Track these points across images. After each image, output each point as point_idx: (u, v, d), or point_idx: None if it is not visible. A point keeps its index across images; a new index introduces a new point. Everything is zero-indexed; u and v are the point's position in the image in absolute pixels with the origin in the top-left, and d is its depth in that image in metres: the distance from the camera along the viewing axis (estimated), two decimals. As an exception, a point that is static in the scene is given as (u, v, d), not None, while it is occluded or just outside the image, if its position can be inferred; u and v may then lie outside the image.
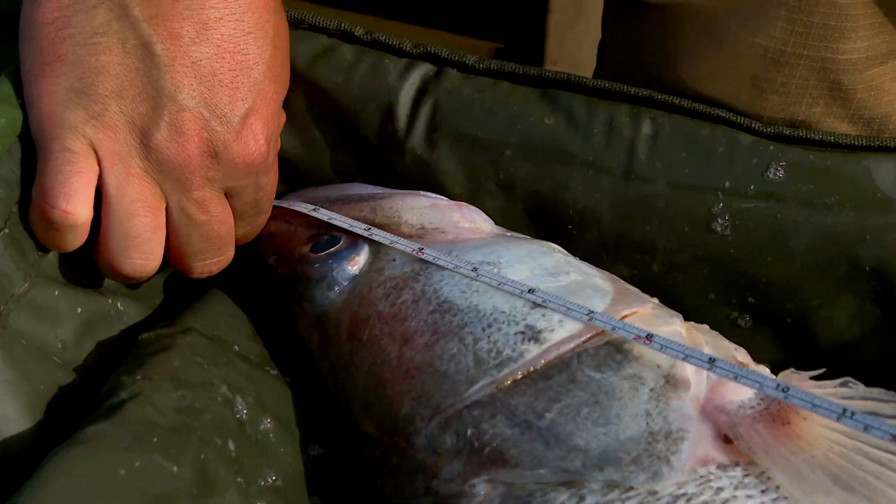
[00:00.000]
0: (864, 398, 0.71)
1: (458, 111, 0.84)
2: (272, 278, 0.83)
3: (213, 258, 0.78)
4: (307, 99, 0.86)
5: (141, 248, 0.74)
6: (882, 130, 0.87)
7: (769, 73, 0.85)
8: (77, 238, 0.72)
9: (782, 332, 0.84)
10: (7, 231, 0.71)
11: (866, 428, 0.68)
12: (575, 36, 1.02)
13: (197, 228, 0.75)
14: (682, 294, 0.84)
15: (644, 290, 0.80)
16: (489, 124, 0.84)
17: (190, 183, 0.73)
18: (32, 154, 0.72)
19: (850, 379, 0.73)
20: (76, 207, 0.71)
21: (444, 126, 0.84)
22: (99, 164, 0.71)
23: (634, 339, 0.73)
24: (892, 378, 0.78)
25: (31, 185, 0.72)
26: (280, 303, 0.83)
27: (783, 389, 0.70)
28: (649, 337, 0.73)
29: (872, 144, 0.81)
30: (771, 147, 0.82)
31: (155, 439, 0.67)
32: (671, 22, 0.89)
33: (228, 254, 0.79)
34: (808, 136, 0.82)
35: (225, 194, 0.76)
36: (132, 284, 0.80)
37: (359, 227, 0.81)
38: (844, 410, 0.68)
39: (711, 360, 0.72)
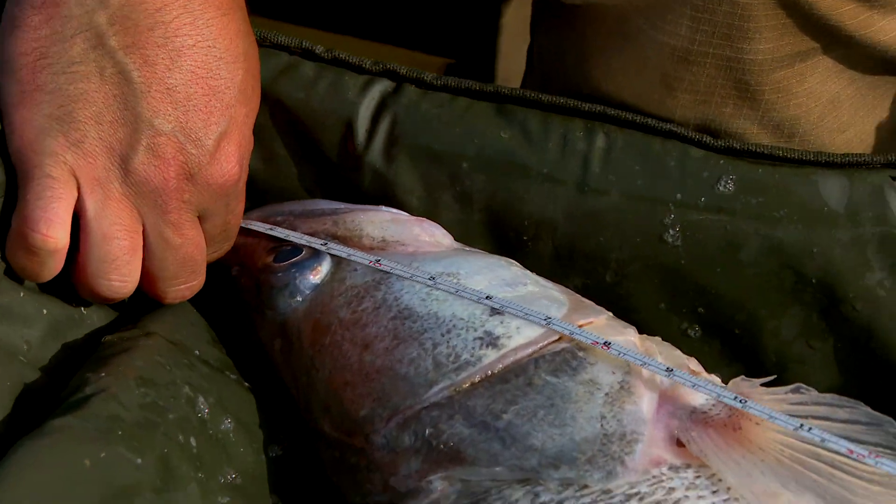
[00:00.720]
0: (818, 403, 0.73)
1: (417, 126, 0.86)
2: (235, 288, 0.84)
3: (186, 283, 0.79)
4: (269, 115, 0.87)
5: (119, 269, 0.75)
6: (792, 134, 0.88)
7: (678, 71, 0.86)
8: (55, 264, 0.73)
9: (731, 343, 0.86)
10: None
11: (823, 441, 0.69)
12: (524, 55, 1.04)
13: (172, 252, 0.77)
14: (633, 303, 0.85)
15: (597, 300, 0.82)
16: (446, 138, 0.85)
17: (167, 205, 0.75)
18: (8, 167, 0.74)
19: (801, 385, 0.74)
20: (57, 232, 0.72)
21: (403, 140, 0.86)
22: (78, 189, 0.73)
23: (593, 343, 0.75)
24: (837, 390, 0.80)
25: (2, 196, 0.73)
26: (242, 311, 0.84)
27: (741, 401, 0.72)
28: (607, 344, 0.74)
29: (820, 160, 0.83)
30: (721, 161, 0.83)
31: (120, 433, 0.68)
32: (586, 23, 0.91)
33: (200, 278, 0.80)
34: (758, 150, 0.83)
35: (198, 218, 0.77)
36: None
37: (315, 242, 0.82)
38: (801, 425, 0.70)
39: (669, 370, 0.74)
